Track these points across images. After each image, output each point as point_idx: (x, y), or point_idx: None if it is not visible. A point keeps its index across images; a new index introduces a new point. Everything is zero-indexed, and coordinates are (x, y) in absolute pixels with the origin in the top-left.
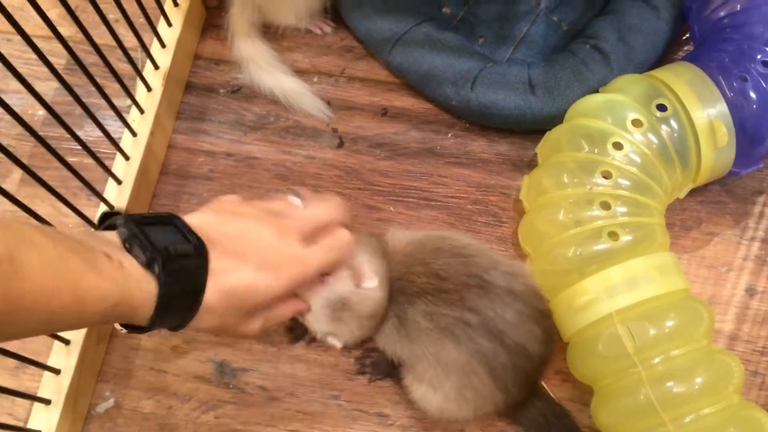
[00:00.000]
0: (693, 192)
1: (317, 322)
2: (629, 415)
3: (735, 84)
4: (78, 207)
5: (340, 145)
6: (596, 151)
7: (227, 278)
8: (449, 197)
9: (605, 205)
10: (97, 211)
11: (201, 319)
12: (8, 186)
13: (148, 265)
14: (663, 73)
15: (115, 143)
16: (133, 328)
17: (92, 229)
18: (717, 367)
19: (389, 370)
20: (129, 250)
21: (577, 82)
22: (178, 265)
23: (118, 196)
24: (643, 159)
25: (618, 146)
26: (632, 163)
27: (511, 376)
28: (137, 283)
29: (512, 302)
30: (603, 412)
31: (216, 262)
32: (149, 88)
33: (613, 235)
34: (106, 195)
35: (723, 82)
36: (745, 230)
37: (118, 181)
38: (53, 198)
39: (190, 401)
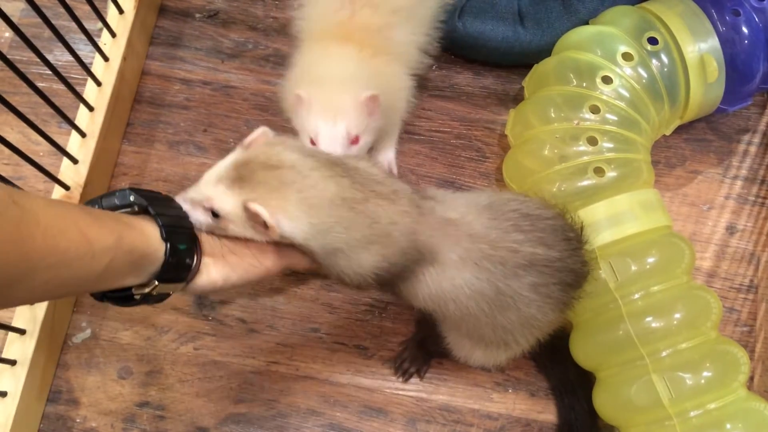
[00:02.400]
0: (678, 129)
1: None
2: (607, 349)
3: (728, 18)
4: (49, 134)
5: None
6: (584, 84)
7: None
8: (433, 131)
9: (592, 141)
10: (68, 139)
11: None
12: None
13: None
14: (655, 6)
15: (86, 68)
16: (161, 279)
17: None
18: (696, 303)
19: (427, 355)
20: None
21: (568, 14)
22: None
23: (91, 123)
24: (632, 94)
25: (607, 80)
26: (621, 98)
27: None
28: (137, 222)
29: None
30: (581, 345)
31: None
32: (121, 11)
33: (599, 171)
34: (78, 122)
35: (715, 16)
36: (728, 169)
37: (90, 108)
38: (23, 125)
39: (169, 332)
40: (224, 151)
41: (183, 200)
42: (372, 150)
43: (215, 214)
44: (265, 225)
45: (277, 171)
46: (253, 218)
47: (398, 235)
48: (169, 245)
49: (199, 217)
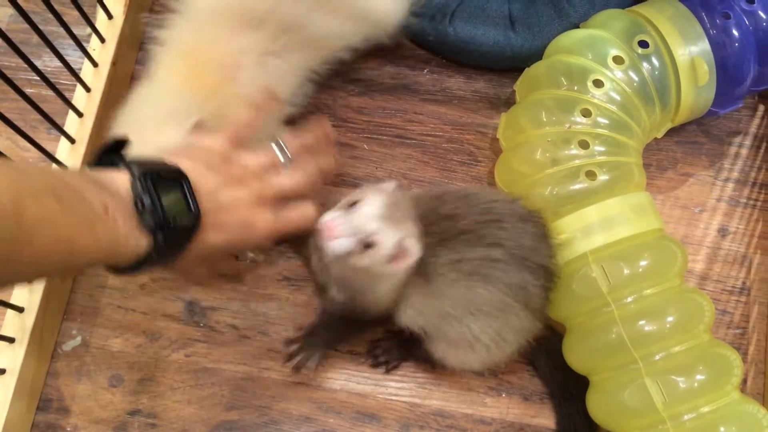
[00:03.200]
0: (670, 132)
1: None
2: (600, 353)
3: (718, 21)
4: (38, 141)
5: None
6: (576, 88)
7: (203, 244)
8: (424, 135)
9: (583, 144)
10: (58, 145)
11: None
12: None
13: (152, 230)
14: (645, 9)
15: (75, 74)
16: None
17: (95, 172)
18: (688, 306)
19: (404, 353)
20: (139, 213)
21: (559, 18)
22: (176, 235)
23: (80, 129)
24: (623, 97)
25: (598, 84)
26: (612, 102)
27: (542, 300)
28: (131, 240)
29: (524, 227)
30: (574, 349)
31: (201, 233)
32: (110, 16)
33: (590, 175)
34: (66, 128)
35: (706, 19)
36: (720, 171)
37: (79, 114)
38: (11, 131)
39: (160, 340)
40: None
41: (343, 229)
42: None
43: (367, 246)
44: (399, 257)
45: (408, 213)
46: (402, 251)
47: None
48: (156, 254)
49: (346, 245)
